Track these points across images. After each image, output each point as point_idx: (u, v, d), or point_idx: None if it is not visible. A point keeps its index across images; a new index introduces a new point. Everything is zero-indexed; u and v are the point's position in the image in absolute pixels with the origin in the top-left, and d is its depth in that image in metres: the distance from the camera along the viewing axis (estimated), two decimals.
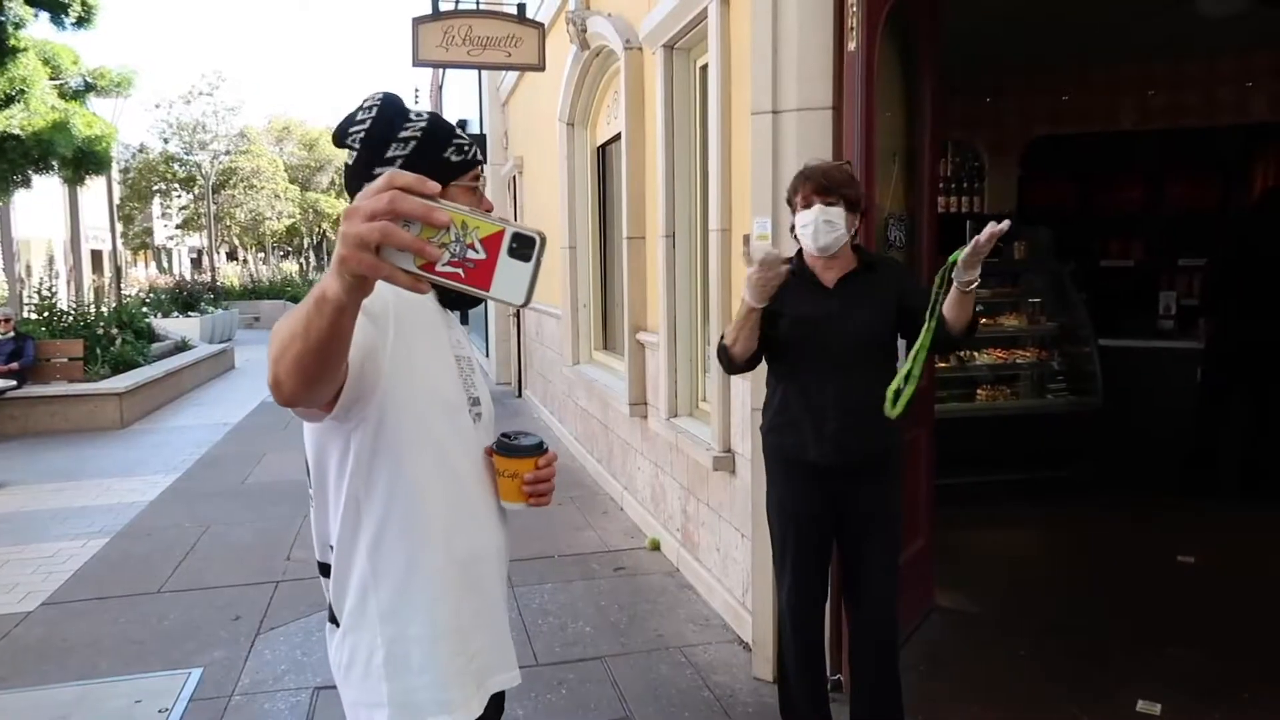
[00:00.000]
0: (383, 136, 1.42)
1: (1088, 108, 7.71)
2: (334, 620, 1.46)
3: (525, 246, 0.89)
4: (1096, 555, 4.79)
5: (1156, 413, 5.81)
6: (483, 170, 1.51)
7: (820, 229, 2.55)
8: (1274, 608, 4.03)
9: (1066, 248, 6.98)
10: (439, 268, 0.87)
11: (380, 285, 1.35)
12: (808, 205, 2.57)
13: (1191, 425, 5.69)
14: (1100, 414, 5.74)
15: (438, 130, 1.45)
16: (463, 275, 0.88)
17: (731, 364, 2.71)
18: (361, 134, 1.43)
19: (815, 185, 2.57)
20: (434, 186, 0.89)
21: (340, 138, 1.46)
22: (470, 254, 0.88)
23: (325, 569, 1.47)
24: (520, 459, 1.46)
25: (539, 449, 1.48)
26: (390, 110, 1.44)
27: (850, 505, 2.68)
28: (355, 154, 1.44)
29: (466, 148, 1.47)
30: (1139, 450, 5.81)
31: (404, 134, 1.42)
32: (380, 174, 1.39)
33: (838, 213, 2.55)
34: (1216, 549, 4.72)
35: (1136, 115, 7.54)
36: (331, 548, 1.43)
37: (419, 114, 1.46)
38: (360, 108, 1.45)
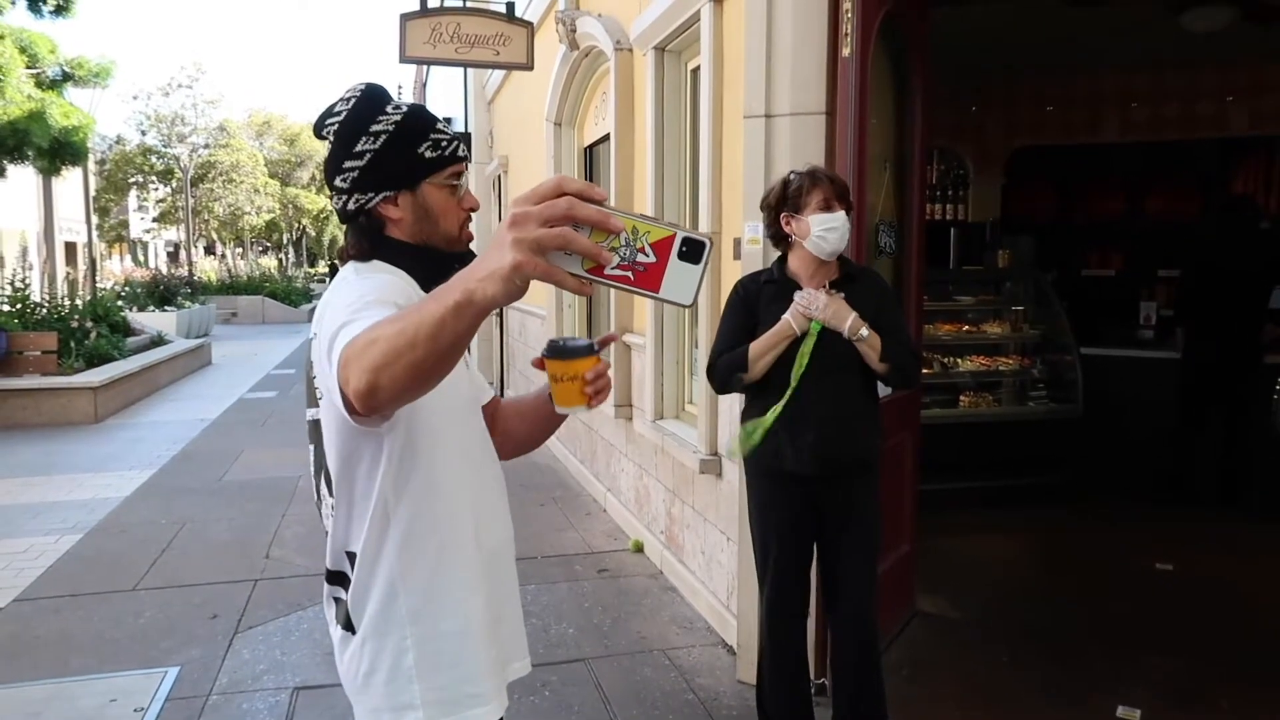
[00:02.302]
0: (354, 129, 1.39)
1: (1070, 119, 7.79)
2: (349, 628, 1.41)
3: (694, 250, 0.90)
4: (1076, 562, 4.82)
5: (1136, 421, 5.86)
6: (466, 168, 1.47)
7: (844, 232, 2.59)
8: (1251, 617, 4.08)
9: (1048, 257, 7.05)
10: (608, 271, 0.90)
11: (403, 283, 1.36)
12: (828, 209, 2.57)
13: (1170, 434, 5.75)
14: (1081, 422, 5.80)
15: (414, 124, 1.41)
16: (632, 278, 0.90)
17: (734, 385, 2.76)
18: (335, 125, 1.40)
19: (836, 190, 2.60)
20: (602, 193, 0.90)
21: (318, 129, 1.44)
22: (640, 258, 0.90)
23: (336, 576, 1.43)
24: (580, 359, 1.39)
25: (593, 348, 1.41)
26: (368, 102, 1.41)
27: (830, 510, 2.70)
28: (330, 146, 1.42)
29: (445, 143, 1.42)
30: (1119, 458, 5.86)
31: (375, 127, 1.38)
32: (351, 168, 1.37)
33: (846, 219, 2.60)
34: (1195, 558, 4.76)
35: (1118, 127, 7.63)
36: (350, 554, 1.39)
37: (397, 106, 1.42)
38: (340, 99, 1.43)
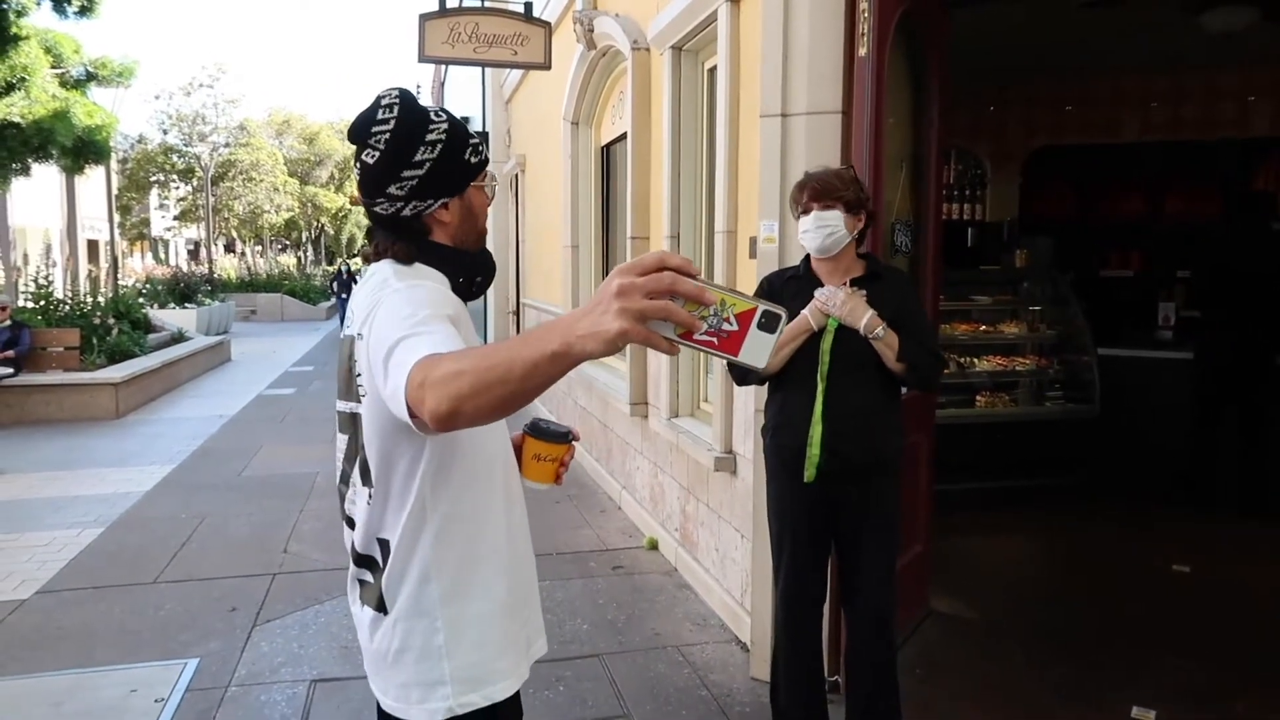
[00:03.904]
0: (409, 138, 1.43)
1: (1089, 119, 7.76)
2: (380, 609, 1.48)
3: (771, 321, 1.00)
4: (1092, 563, 4.80)
5: (1153, 422, 5.83)
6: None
7: (818, 232, 2.63)
8: (1268, 619, 4.05)
9: (1066, 257, 7.01)
10: (696, 336, 1.00)
11: (446, 291, 1.44)
12: (806, 211, 2.65)
13: (1187, 435, 5.71)
14: (1098, 422, 5.77)
15: (458, 131, 1.48)
16: (715, 343, 1.00)
17: (751, 379, 2.81)
18: (387, 135, 1.43)
19: (812, 191, 2.64)
20: (696, 268, 1.00)
21: (361, 136, 1.45)
22: (725, 326, 1.00)
23: (365, 560, 1.50)
24: (560, 444, 1.59)
25: (568, 435, 1.61)
26: (413, 111, 1.45)
27: (848, 507, 2.70)
28: (378, 154, 1.43)
29: (481, 147, 1.52)
30: (1136, 459, 5.83)
31: (430, 136, 1.44)
32: (410, 176, 1.42)
33: (834, 215, 2.61)
34: (1212, 559, 4.74)
35: (1138, 127, 7.59)
36: (382, 540, 1.46)
37: (437, 113, 1.47)
38: (379, 105, 1.44)
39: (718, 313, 0.99)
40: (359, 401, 1.43)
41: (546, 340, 1.02)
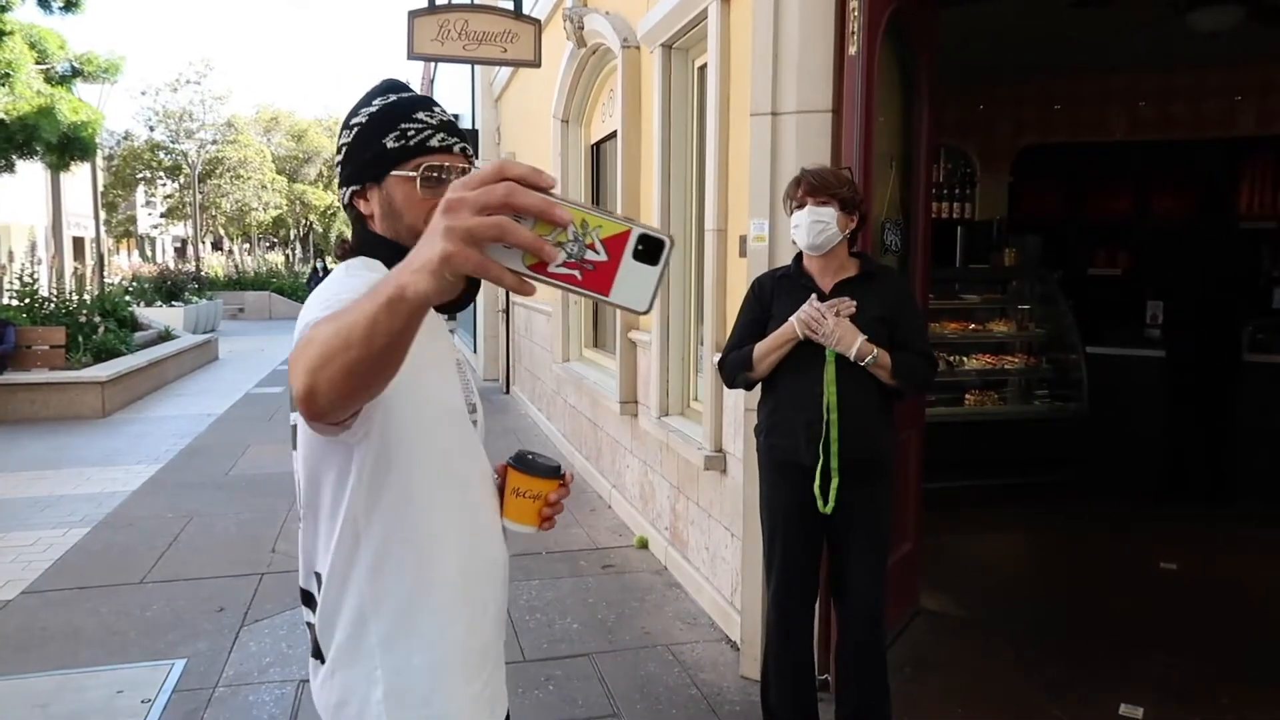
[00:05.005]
0: (343, 123, 1.36)
1: (1078, 118, 7.79)
2: (318, 656, 1.29)
3: (652, 249, 0.80)
4: (1080, 561, 4.83)
5: (1141, 420, 5.86)
6: (470, 159, 1.36)
7: (810, 228, 2.62)
8: (1255, 615, 4.08)
9: (1055, 255, 7.05)
10: (552, 269, 0.80)
11: None
12: (800, 205, 2.65)
13: (1172, 433, 5.75)
14: (1086, 420, 5.80)
15: (388, 113, 1.31)
16: (579, 278, 0.81)
17: (740, 382, 2.82)
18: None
19: (807, 186, 2.65)
20: (549, 179, 0.80)
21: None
22: (590, 255, 0.80)
23: (307, 597, 1.32)
24: (547, 479, 1.36)
25: (559, 470, 1.39)
26: (365, 95, 1.36)
27: (841, 505, 2.70)
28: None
29: (412, 133, 1.29)
30: (1124, 457, 5.86)
31: (355, 120, 1.33)
32: (337, 161, 1.34)
33: (828, 212, 2.61)
34: (1199, 557, 4.77)
35: (1126, 126, 7.63)
36: (317, 575, 1.28)
37: (385, 97, 1.35)
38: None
39: (578, 237, 0.79)
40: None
41: (385, 287, 0.85)
